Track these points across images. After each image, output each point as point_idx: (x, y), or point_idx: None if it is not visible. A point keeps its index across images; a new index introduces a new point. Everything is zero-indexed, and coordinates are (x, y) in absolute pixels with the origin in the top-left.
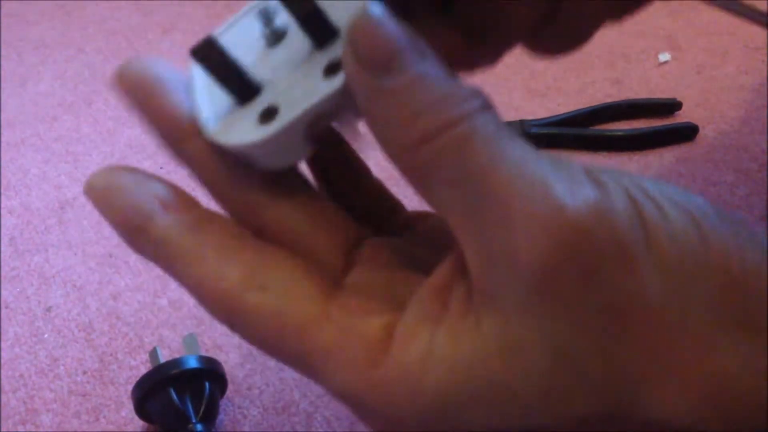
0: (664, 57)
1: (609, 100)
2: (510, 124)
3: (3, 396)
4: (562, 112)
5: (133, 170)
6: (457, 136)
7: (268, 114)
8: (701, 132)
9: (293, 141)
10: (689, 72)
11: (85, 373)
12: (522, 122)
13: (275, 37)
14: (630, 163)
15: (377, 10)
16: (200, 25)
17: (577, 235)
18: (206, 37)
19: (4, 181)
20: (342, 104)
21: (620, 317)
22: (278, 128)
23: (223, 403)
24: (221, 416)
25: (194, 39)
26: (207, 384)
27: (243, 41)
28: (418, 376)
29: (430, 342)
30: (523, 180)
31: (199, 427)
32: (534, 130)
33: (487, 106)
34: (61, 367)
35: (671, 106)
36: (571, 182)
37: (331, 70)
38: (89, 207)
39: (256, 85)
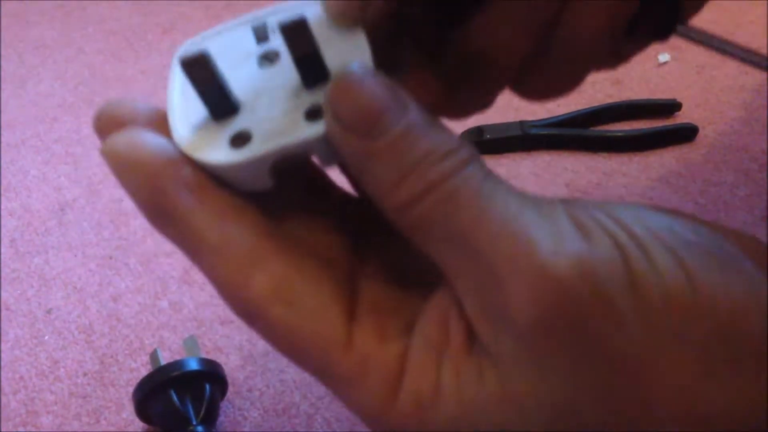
0: (663, 57)
1: (609, 100)
2: (510, 125)
3: (3, 398)
4: (562, 112)
5: (157, 137)
6: (441, 196)
7: (240, 139)
8: (701, 132)
9: (259, 172)
10: (689, 72)
11: (85, 375)
12: (522, 123)
13: (267, 57)
14: (630, 164)
15: (357, 70)
16: (200, 25)
17: (561, 294)
18: (199, 51)
19: (4, 183)
20: (317, 149)
21: (612, 369)
22: (246, 157)
23: (224, 405)
24: (221, 418)
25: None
26: (207, 386)
27: (233, 51)
28: (430, 411)
29: (438, 377)
30: (508, 239)
31: (199, 429)
32: (534, 130)
33: (471, 156)
34: (62, 369)
35: (671, 107)
36: (554, 236)
37: (314, 114)
38: (89, 209)
39: (235, 104)
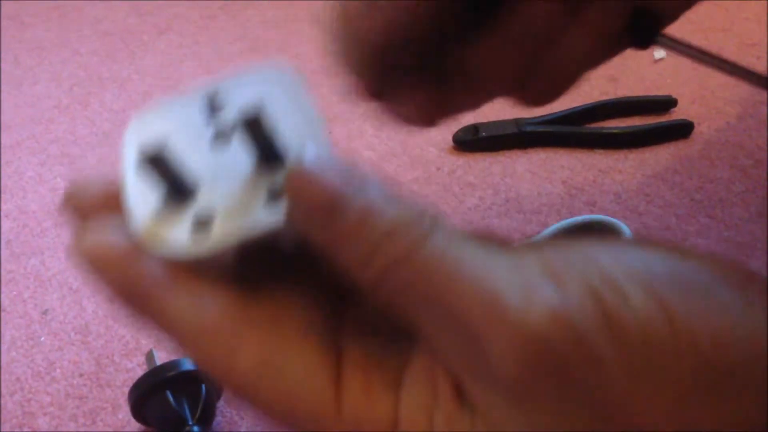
0: (659, 54)
1: (604, 97)
2: (506, 122)
3: (0, 399)
4: (557, 110)
5: (123, 230)
6: (409, 269)
7: (202, 224)
8: (696, 129)
9: (223, 256)
10: (684, 69)
11: (81, 375)
12: (518, 121)
13: (221, 134)
14: (626, 161)
15: (310, 158)
16: (195, 26)
17: (538, 346)
18: (160, 145)
19: (0, 184)
20: (281, 233)
21: (598, 413)
22: (209, 246)
23: (220, 405)
24: (218, 418)
25: (189, 40)
26: (203, 386)
27: (186, 127)
28: None
29: (431, 430)
30: (479, 298)
31: (195, 429)
32: (530, 128)
33: (434, 221)
34: (58, 370)
35: (666, 103)
36: (525, 287)
37: (274, 197)
38: None
39: (194, 188)
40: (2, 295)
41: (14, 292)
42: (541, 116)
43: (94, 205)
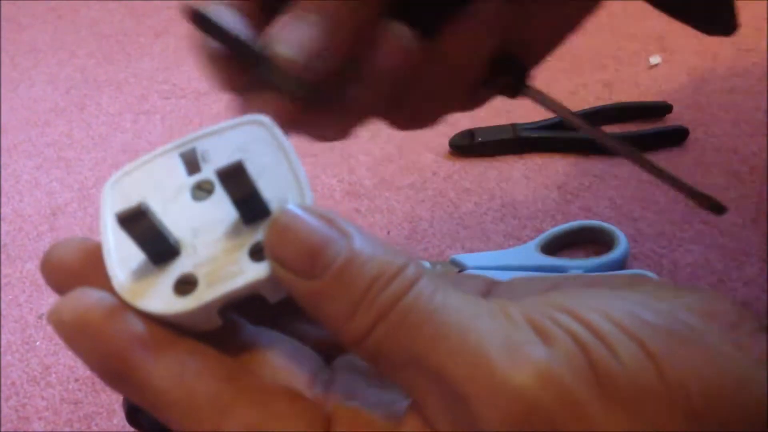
0: (654, 60)
1: (600, 103)
2: (502, 127)
3: None
4: (553, 115)
5: (102, 299)
6: (393, 323)
7: (185, 284)
8: (691, 135)
9: (207, 316)
10: (679, 74)
11: (77, 380)
12: (514, 126)
13: (201, 188)
14: (621, 166)
15: (290, 210)
16: (192, 28)
17: (527, 406)
18: (137, 205)
19: None
20: (264, 289)
21: None
22: (193, 306)
23: None
24: None
25: (186, 42)
26: None
27: (165, 183)
28: None
29: None
30: (465, 357)
31: None
32: (526, 133)
33: (418, 272)
34: (53, 375)
35: (661, 109)
36: (512, 345)
37: (257, 253)
38: (81, 213)
39: (175, 246)
40: None
41: (10, 296)
42: (537, 122)
43: (74, 269)
